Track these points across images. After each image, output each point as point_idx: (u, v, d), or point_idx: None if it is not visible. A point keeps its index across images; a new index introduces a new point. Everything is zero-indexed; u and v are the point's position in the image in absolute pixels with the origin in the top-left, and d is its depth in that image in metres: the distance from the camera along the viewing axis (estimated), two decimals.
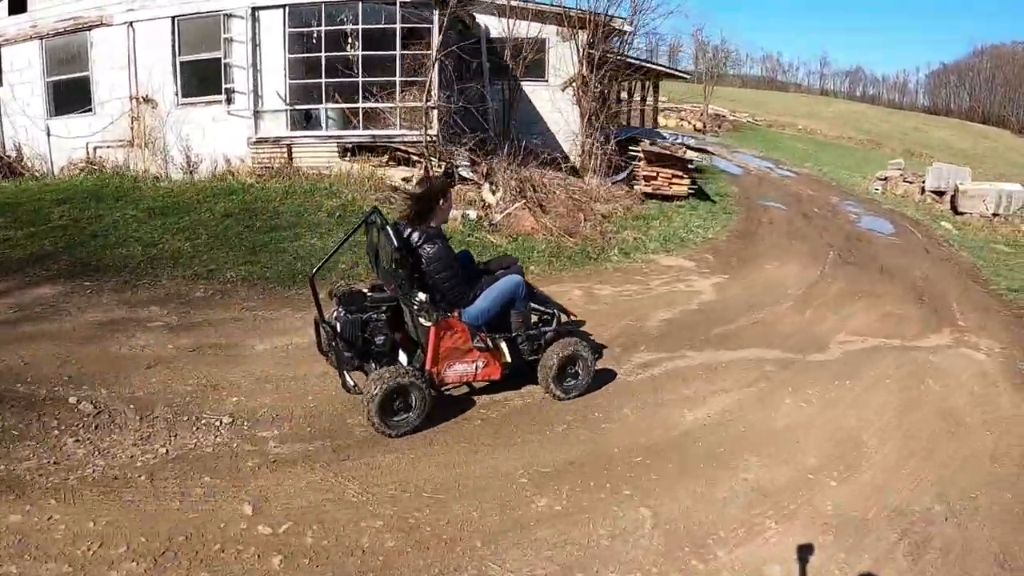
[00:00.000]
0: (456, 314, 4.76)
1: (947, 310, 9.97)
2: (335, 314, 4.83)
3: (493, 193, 12.77)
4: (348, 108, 13.21)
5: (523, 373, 5.50)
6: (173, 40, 13.21)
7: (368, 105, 13.13)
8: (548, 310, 5.43)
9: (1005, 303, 10.71)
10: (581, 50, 17.37)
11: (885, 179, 23.90)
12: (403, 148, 13.28)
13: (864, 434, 5.79)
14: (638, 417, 5.86)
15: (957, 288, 11.32)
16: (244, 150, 13.14)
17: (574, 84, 17.82)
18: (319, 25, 12.97)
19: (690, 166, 16.10)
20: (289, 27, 12.96)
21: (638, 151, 16.77)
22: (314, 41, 13.17)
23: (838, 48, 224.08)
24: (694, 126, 45.94)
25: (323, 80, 13.03)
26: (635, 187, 16.53)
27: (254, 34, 12.91)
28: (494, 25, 18.21)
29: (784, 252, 12.67)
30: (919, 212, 19.13)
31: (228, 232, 10.08)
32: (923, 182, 21.91)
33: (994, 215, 18.98)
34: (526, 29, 16.67)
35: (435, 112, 13.11)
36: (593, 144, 17.99)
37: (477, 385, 5.61)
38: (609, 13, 16.48)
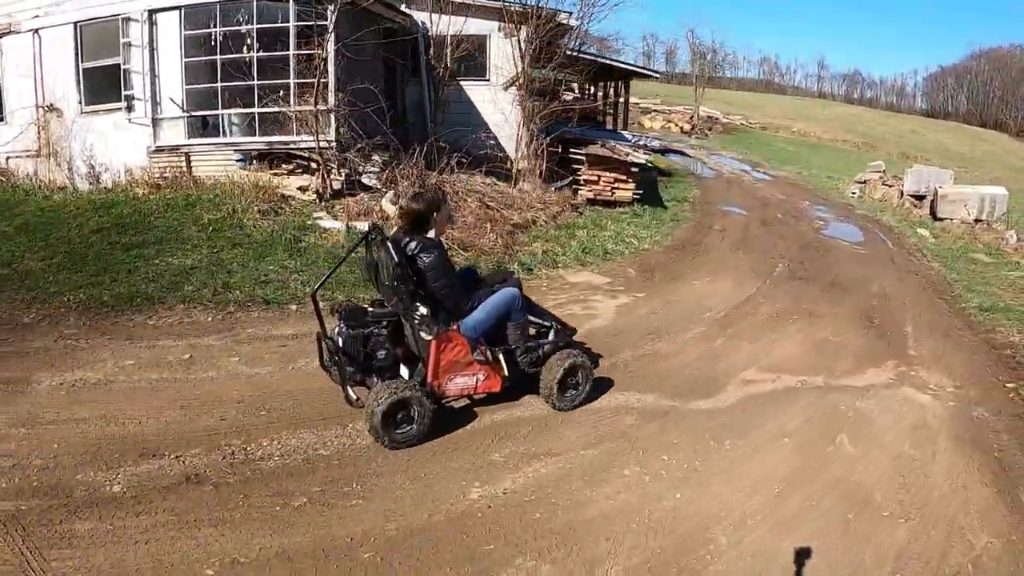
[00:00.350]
0: (455, 327, 4.68)
1: (899, 335, 8.27)
2: (337, 329, 4.79)
3: (393, 203, 11.10)
4: (241, 114, 11.93)
5: (523, 384, 5.28)
6: (76, 46, 12.09)
7: (260, 110, 11.70)
8: (545, 323, 5.33)
9: (972, 325, 9.00)
10: (522, 46, 15.74)
11: (864, 182, 22.20)
12: (302, 155, 11.73)
13: (714, 528, 4.11)
14: (406, 491, 4.29)
15: (918, 307, 9.62)
16: (145, 159, 11.97)
17: (516, 83, 16.20)
18: (216, 26, 11.72)
19: (634, 169, 14.32)
20: (185, 30, 11.76)
21: (581, 155, 15.06)
22: (213, 44, 11.86)
23: (836, 51, 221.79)
24: (681, 128, 44.34)
25: (219, 84, 11.72)
26: (578, 193, 14.84)
27: (151, 38, 11.81)
28: (434, 22, 16.89)
29: (724, 265, 10.99)
30: (895, 218, 17.39)
31: (89, 250, 8.79)
32: (903, 185, 20.10)
33: (976, 221, 17.25)
34: (463, 25, 15.28)
35: (332, 116, 11.54)
36: (537, 147, 16.43)
37: (477, 398, 5.28)
38: (552, 7, 14.96)
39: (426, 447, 4.74)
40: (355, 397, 4.61)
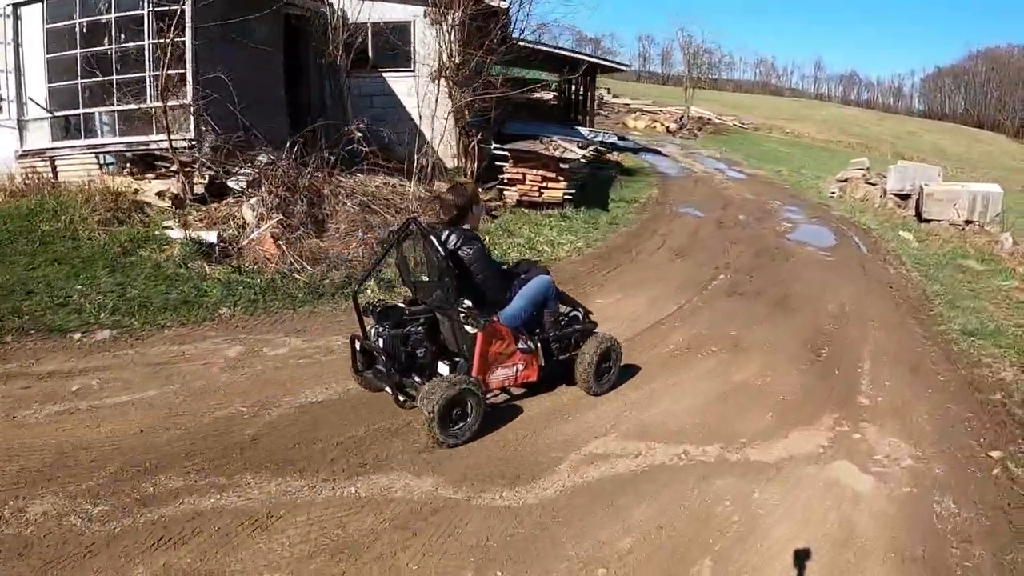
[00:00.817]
0: (496, 319, 4.55)
1: (850, 373, 6.14)
2: (376, 331, 4.58)
3: (253, 209, 9.01)
4: (111, 112, 10.28)
5: (556, 374, 5.05)
6: None
7: (117, 108, 10.10)
8: (573, 309, 5.24)
9: (951, 356, 6.85)
10: (449, 32, 13.62)
11: (845, 181, 19.96)
12: (166, 157, 9.83)
13: None
14: None
15: (884, 331, 7.49)
16: (15, 165, 10.57)
17: (444, 73, 14.13)
18: (78, 18, 10.15)
19: (564, 166, 12.19)
20: (48, 23, 10.33)
21: (505, 151, 12.95)
22: (78, 37, 10.32)
23: (832, 52, 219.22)
24: (667, 128, 42.29)
25: (79, 82, 10.16)
26: (504, 194, 12.73)
27: (16, 34, 10.49)
28: (352, 9, 14.90)
29: (649, 277, 8.92)
30: (876, 219, 15.21)
31: None
32: (886, 184, 17.90)
33: (967, 222, 15.05)
34: (384, 11, 14.01)
35: (191, 112, 9.59)
36: (467, 144, 14.42)
37: (514, 390, 4.97)
38: None
39: None
40: (403, 399, 4.41)
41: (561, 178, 12.41)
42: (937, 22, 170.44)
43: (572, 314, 5.26)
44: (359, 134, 11.47)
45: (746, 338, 6.85)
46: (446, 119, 14.49)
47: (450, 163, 15.18)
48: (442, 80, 14.30)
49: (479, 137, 14.29)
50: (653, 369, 5.85)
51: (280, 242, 8.17)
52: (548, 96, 36.08)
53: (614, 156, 23.30)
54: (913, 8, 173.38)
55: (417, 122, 15.15)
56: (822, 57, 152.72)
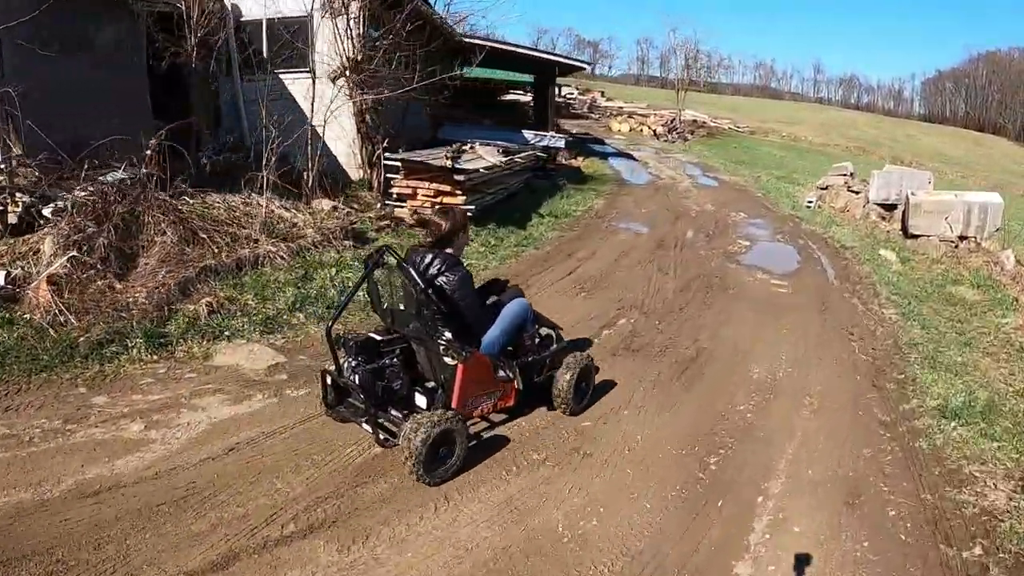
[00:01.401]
0: (475, 349, 4.25)
1: (739, 511, 3.70)
2: (349, 365, 4.23)
3: (56, 243, 6.71)
4: None
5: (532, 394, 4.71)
6: None
7: None
8: (547, 329, 4.93)
9: (920, 461, 4.48)
10: (351, 26, 11.78)
11: (825, 188, 17.42)
12: None
13: None
14: None
15: (824, 416, 5.15)
16: None
17: (344, 73, 11.87)
18: None
19: (459, 178, 9.80)
20: None
21: (396, 161, 10.59)
22: None
23: (832, 55, 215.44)
24: (654, 131, 39.80)
25: None
26: (394, 212, 10.42)
27: None
28: (248, 6, 12.50)
29: None
30: (854, 234, 12.72)
31: None
32: (869, 192, 15.37)
33: (961, 238, 12.53)
34: (278, 5, 12.05)
35: None
36: (371, 152, 12.16)
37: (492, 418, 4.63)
38: None
39: None
40: (384, 437, 4.02)
41: (459, 192, 9.97)
42: (937, 25, 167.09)
43: (547, 334, 4.91)
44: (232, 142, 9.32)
45: (601, 435, 4.43)
46: (350, 126, 12.31)
47: (356, 174, 12.91)
48: (342, 81, 12.02)
49: (384, 144, 11.94)
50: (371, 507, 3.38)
51: (61, 285, 5.85)
52: (528, 98, 33.84)
53: (577, 161, 20.88)
54: (913, 11, 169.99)
55: (317, 129, 12.87)
56: (822, 60, 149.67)
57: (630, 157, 24.49)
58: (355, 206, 10.68)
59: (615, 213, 13.26)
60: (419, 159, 10.08)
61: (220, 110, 13.37)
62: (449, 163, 9.77)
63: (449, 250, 4.38)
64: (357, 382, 4.18)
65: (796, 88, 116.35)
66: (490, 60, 27.16)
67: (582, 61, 21.56)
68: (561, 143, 16.86)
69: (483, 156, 11.34)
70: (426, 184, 10.08)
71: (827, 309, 8.10)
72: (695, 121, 49.29)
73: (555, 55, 22.68)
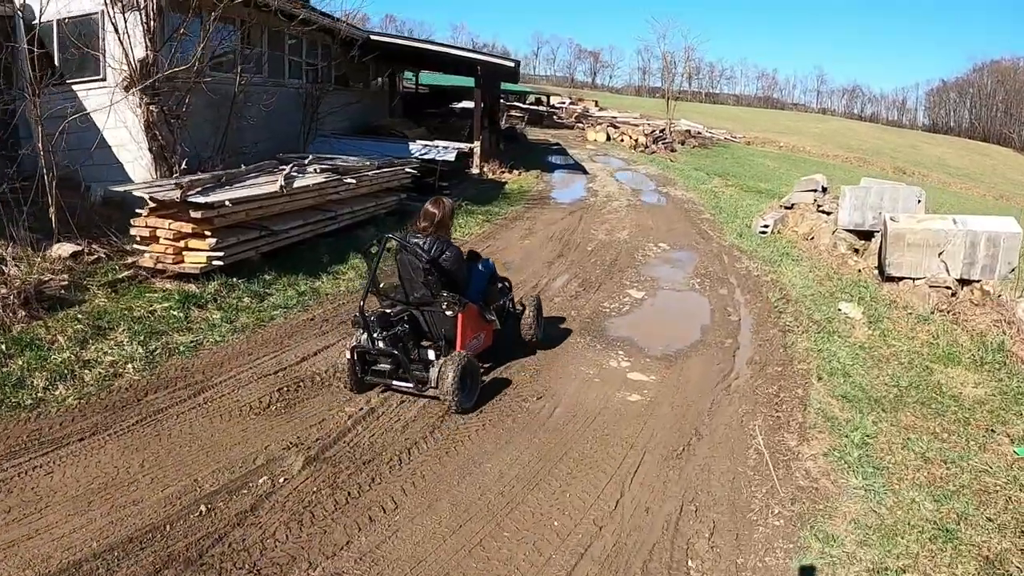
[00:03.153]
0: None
1: None
2: (373, 337, 4.74)
3: None
4: None
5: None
6: None
7: None
8: (503, 280, 5.85)
9: None
10: (148, 23, 8.75)
11: (790, 207, 13.04)
12: None
13: None
14: None
15: None
16: None
17: (133, 80, 8.22)
18: None
19: (196, 214, 5.78)
20: None
21: (144, 194, 6.50)
22: None
23: (835, 65, 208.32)
24: (636, 141, 35.54)
25: None
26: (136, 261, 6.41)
27: None
28: (39, 5, 9.13)
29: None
30: (811, 277, 8.54)
31: None
32: (838, 214, 11.01)
33: (961, 283, 8.21)
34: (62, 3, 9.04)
35: None
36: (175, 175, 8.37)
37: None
38: None
39: None
40: (411, 384, 4.71)
41: (208, 234, 5.91)
42: (941, 34, 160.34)
43: (503, 285, 5.75)
44: None
45: None
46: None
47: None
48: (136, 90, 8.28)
49: (182, 167, 8.20)
50: None
51: None
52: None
53: (510, 175, 16.76)
54: (916, 20, 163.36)
55: (113, 148, 9.22)
56: (825, 71, 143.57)
57: (581, 170, 20.26)
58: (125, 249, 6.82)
59: (485, 247, 9.05)
60: (149, 192, 6.00)
61: (17, 130, 9.69)
62: (178, 195, 5.70)
63: (440, 234, 4.95)
64: (383, 348, 4.69)
65: (799, 99, 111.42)
66: (438, 65, 23.12)
67: (507, 59, 17.24)
68: (451, 155, 12.68)
69: (256, 183, 7.28)
70: (168, 224, 6.12)
71: (686, 453, 3.84)
72: (688, 131, 45.61)
73: (479, 53, 18.53)
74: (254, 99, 12.22)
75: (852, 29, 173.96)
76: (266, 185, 7.93)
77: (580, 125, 43.29)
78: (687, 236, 11.01)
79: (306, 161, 9.70)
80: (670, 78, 46.47)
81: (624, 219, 12.26)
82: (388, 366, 4.75)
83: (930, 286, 8.41)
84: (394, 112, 22.46)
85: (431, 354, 4.87)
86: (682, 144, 40.33)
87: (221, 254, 6.67)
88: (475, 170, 16.94)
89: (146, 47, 8.76)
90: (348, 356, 4.86)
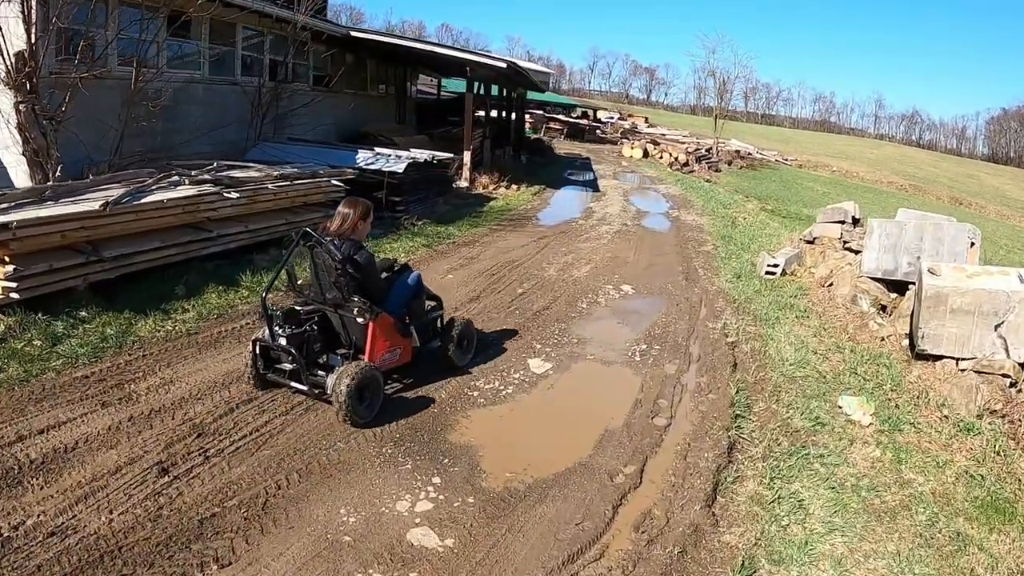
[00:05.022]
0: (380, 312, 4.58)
1: None
2: (278, 331, 4.36)
3: None
4: None
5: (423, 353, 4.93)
6: None
7: None
8: (434, 299, 5.35)
9: None
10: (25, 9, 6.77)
11: (812, 240, 10.01)
12: None
13: None
14: None
15: None
16: None
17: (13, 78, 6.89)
18: None
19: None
20: None
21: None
22: None
23: (894, 90, 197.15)
24: (676, 159, 32.68)
25: None
26: None
27: None
28: None
29: None
30: (813, 343, 5.92)
31: None
32: (863, 257, 8.01)
33: None
34: None
35: None
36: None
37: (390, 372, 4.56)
38: None
39: None
40: (308, 388, 4.29)
41: (6, 258, 3.81)
42: (1003, 63, 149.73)
43: (434, 304, 5.29)
44: None
45: None
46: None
47: None
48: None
49: (56, 173, 6.22)
50: None
51: None
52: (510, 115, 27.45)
53: (508, 190, 14.28)
54: (978, 48, 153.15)
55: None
56: (883, 95, 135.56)
57: (593, 187, 17.55)
58: None
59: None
60: None
61: None
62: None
63: (353, 236, 4.52)
64: (285, 344, 4.31)
65: (856, 123, 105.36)
66: (445, 68, 20.73)
67: (499, 59, 14.66)
68: (401, 166, 10.19)
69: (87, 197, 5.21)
70: None
71: None
72: (737, 152, 42.48)
73: (469, 53, 15.95)
74: (190, 99, 10.12)
75: (913, 55, 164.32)
76: (96, 202, 5.72)
77: (625, 141, 40.60)
78: (667, 276, 8.24)
79: (194, 171, 7.46)
80: (719, 95, 43.24)
81: (599, 249, 9.54)
82: (290, 365, 4.38)
83: (979, 373, 5.51)
84: (404, 119, 20.14)
85: (339, 361, 4.52)
86: (729, 164, 37.20)
87: (15, 284, 4.88)
88: (463, 183, 14.47)
89: (30, 39, 6.77)
90: (249, 349, 4.48)
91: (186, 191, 6.97)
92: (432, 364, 4.95)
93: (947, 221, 8.09)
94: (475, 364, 5.12)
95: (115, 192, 6.29)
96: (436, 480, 3.58)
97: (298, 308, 4.66)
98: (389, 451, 3.86)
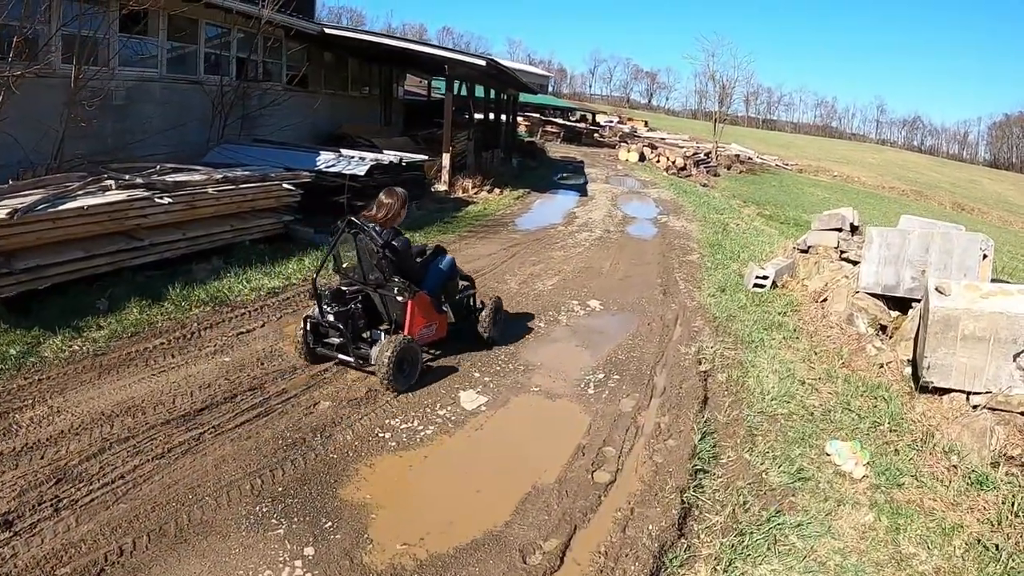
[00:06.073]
0: (420, 291, 4.96)
1: None
2: (326, 309, 4.77)
3: None
4: None
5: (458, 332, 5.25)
6: None
7: None
8: (467, 279, 5.67)
9: None
10: None
11: (806, 250, 9.07)
12: None
13: None
14: None
15: None
16: None
17: None
18: None
19: None
20: None
21: None
22: None
23: (896, 96, 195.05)
24: (673, 163, 31.85)
25: None
26: None
27: None
28: None
29: None
30: (800, 371, 5.10)
31: None
32: (861, 270, 7.05)
33: None
34: None
35: None
36: None
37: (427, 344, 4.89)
38: None
39: None
40: (354, 360, 4.65)
41: None
42: (1005, 68, 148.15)
43: (467, 284, 5.58)
44: None
45: None
46: None
47: None
48: None
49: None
50: None
51: None
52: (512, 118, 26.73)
53: (489, 194, 13.45)
54: (980, 53, 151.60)
55: None
56: (885, 100, 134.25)
57: (581, 191, 16.68)
58: None
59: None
60: None
61: None
62: None
63: (393, 223, 4.88)
64: (334, 320, 4.71)
65: (858, 128, 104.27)
66: (429, 67, 19.88)
67: (481, 57, 13.81)
68: (363, 168, 9.33)
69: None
70: None
71: None
72: (737, 156, 41.69)
73: (447, 51, 15.12)
74: (146, 98, 9.35)
75: (915, 60, 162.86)
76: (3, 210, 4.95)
77: (624, 144, 39.89)
78: (642, 289, 7.35)
79: (127, 175, 6.71)
80: (718, 99, 42.36)
81: (574, 258, 8.66)
82: (338, 339, 4.74)
83: (994, 410, 4.61)
84: (390, 120, 19.31)
85: (382, 336, 4.84)
86: (728, 169, 36.35)
87: None
88: (442, 187, 13.62)
89: None
90: (301, 326, 4.80)
91: (114, 197, 6.30)
92: (466, 340, 5.22)
93: (956, 230, 7.18)
94: (398, 395, 4.26)
95: (31, 198, 5.55)
96: (308, 551, 2.78)
97: (344, 288, 5.01)
98: (264, 509, 3.06)
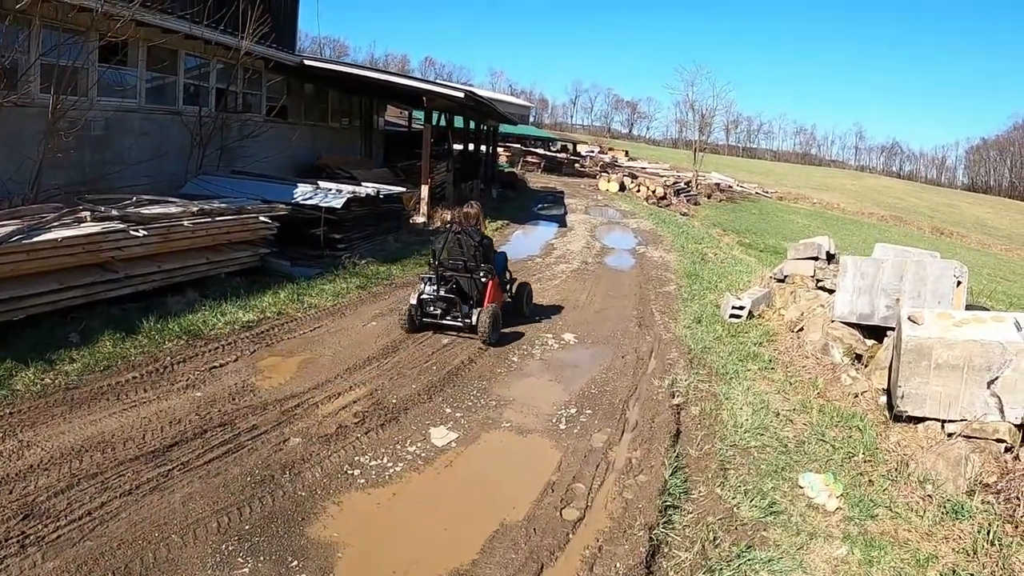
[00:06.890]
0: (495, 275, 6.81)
1: None
2: (439, 288, 6.43)
3: None
4: None
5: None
6: None
7: None
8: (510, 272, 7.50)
9: None
10: None
11: (783, 279, 9.14)
12: None
13: None
14: None
15: None
16: None
17: None
18: None
19: None
20: None
21: None
22: None
23: (874, 122, 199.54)
24: (653, 192, 32.08)
25: None
26: None
27: None
28: None
29: None
30: (775, 403, 5.18)
31: None
32: (835, 299, 7.11)
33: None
34: None
35: None
36: None
37: None
38: None
39: None
40: (462, 324, 6.27)
41: None
42: (982, 93, 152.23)
43: (510, 273, 7.42)
44: None
45: None
46: None
47: None
48: None
49: None
50: None
51: None
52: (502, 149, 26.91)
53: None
54: (958, 79, 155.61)
55: None
56: (864, 127, 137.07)
57: (560, 222, 16.76)
58: None
59: (276, 344, 5.58)
60: None
61: None
62: None
63: (477, 226, 6.91)
64: (442, 295, 6.36)
65: (837, 155, 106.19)
66: (408, 99, 20.09)
67: (459, 89, 13.97)
68: (340, 201, 9.34)
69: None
70: None
71: None
72: (717, 184, 42.21)
73: (426, 83, 15.25)
74: (124, 128, 9.34)
75: (892, 87, 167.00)
76: None
77: (605, 174, 40.29)
78: (618, 322, 7.38)
79: (103, 207, 6.69)
80: (699, 128, 42.95)
81: (549, 291, 8.69)
82: (439, 311, 6.37)
83: (969, 438, 4.63)
84: (371, 152, 19.39)
85: (468, 308, 6.43)
86: (708, 197, 36.80)
87: None
88: (421, 218, 13.64)
89: None
90: (413, 302, 6.42)
91: (88, 229, 6.26)
92: (507, 316, 6.76)
93: (930, 257, 7.30)
94: (368, 432, 4.21)
95: (5, 229, 5.50)
96: None
97: (444, 275, 6.52)
98: (230, 548, 3.01)
